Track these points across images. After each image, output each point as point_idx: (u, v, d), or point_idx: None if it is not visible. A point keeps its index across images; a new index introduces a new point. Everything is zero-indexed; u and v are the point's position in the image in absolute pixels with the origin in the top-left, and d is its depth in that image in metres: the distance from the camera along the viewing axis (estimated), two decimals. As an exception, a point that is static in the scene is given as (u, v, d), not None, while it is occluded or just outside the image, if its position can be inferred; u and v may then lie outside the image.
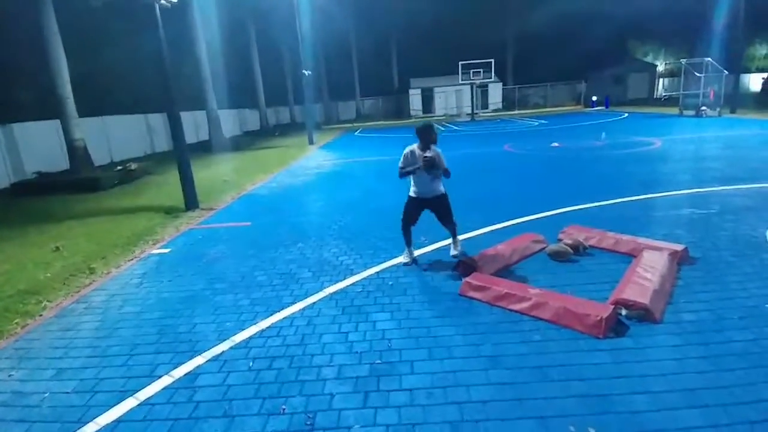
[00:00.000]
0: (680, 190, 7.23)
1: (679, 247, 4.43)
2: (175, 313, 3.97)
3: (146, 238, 6.39)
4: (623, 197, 6.91)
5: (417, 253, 4.98)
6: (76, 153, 12.50)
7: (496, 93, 37.86)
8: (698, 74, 21.30)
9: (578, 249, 4.65)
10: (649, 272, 3.84)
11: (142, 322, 3.85)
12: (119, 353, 3.35)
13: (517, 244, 4.81)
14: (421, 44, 39.77)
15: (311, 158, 15.29)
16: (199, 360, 3.17)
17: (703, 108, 20.71)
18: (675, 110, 23.00)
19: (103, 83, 20.41)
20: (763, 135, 13.42)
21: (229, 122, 27.32)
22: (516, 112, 34.41)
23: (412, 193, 4.59)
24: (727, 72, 20.86)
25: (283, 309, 3.86)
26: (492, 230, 5.67)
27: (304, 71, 20.35)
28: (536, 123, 23.87)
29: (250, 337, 3.43)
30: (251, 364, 3.07)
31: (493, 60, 30.01)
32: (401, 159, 4.43)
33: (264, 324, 3.61)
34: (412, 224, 4.65)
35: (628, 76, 38.47)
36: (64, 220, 7.95)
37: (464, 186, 8.79)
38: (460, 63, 29.68)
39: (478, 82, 30.64)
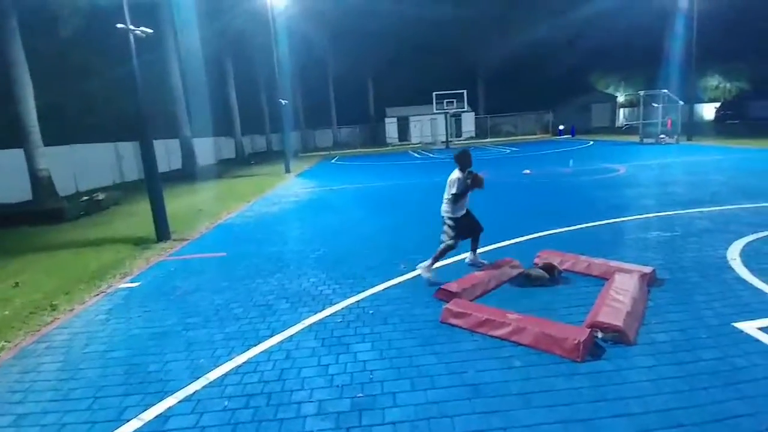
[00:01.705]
0: (646, 213, 7.53)
1: (648, 270, 4.58)
2: (144, 350, 3.77)
3: (113, 271, 6.12)
4: (593, 222, 7.14)
5: (396, 281, 4.98)
6: (40, 183, 12.07)
7: (469, 122, 39.09)
8: (656, 105, 22.60)
9: (553, 273, 4.75)
10: (621, 295, 3.94)
11: (108, 361, 3.64)
12: (83, 396, 3.15)
13: (495, 270, 4.87)
14: (396, 74, 40.90)
15: (288, 186, 15.22)
16: (170, 401, 3.00)
17: (662, 136, 21.90)
18: (636, 138, 24.18)
19: (73, 111, 20.00)
20: (718, 160, 14.23)
21: (204, 150, 27.05)
22: (489, 140, 35.42)
23: (461, 213, 4.96)
24: (682, 102, 22.22)
25: (260, 343, 3.74)
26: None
27: (281, 100, 20.51)
28: (508, 151, 24.60)
29: (226, 374, 3.29)
30: (226, 403, 2.94)
31: (465, 91, 31.11)
32: (458, 185, 4.82)
33: (240, 359, 3.48)
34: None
35: (592, 106, 40.48)
36: (25, 253, 7.56)
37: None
38: (434, 93, 30.59)
39: (451, 111, 31.58)
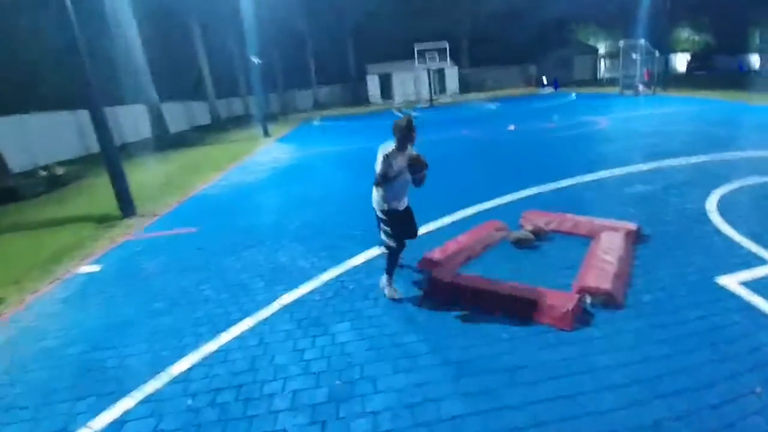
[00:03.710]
0: (627, 166, 7.36)
1: (633, 226, 4.46)
2: (101, 344, 3.43)
3: (72, 254, 5.63)
4: (577, 178, 6.94)
5: (378, 251, 4.58)
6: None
7: (452, 77, 37.82)
8: (635, 55, 22.16)
9: (539, 234, 4.58)
10: (608, 255, 3.81)
11: (59, 360, 3.28)
12: (28, 403, 2.81)
13: (480, 234, 4.65)
14: (377, 28, 39.04)
15: (267, 152, 14.58)
16: (127, 403, 2.72)
17: (640, 87, 21.70)
18: (616, 90, 23.85)
19: (22, 78, 18.51)
20: (693, 111, 14.04)
21: (175, 116, 25.80)
22: (473, 95, 34.60)
23: (394, 207, 3.57)
24: (658, 53, 21.87)
25: (230, 327, 3.48)
26: (453, 220, 5.49)
27: (252, 58, 19.32)
28: (493, 106, 24.02)
29: (191, 367, 3.01)
30: (190, 401, 2.69)
31: (446, 43, 29.85)
32: (379, 165, 3.46)
33: (208, 348, 3.22)
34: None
35: (574, 58, 39.64)
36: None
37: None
38: (415, 46, 29.37)
39: (434, 66, 30.48)
